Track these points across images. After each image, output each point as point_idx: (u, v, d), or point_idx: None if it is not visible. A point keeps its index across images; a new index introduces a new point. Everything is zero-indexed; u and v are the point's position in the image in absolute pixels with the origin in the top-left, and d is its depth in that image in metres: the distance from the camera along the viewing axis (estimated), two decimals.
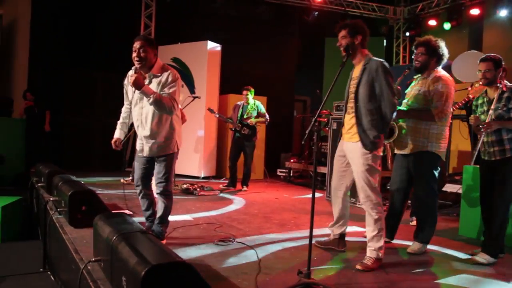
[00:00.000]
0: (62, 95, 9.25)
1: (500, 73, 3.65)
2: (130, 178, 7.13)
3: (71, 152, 9.26)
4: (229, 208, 5.56)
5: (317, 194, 7.03)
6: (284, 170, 9.10)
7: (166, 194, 3.70)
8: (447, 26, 9.76)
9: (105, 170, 8.57)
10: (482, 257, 3.60)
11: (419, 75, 3.94)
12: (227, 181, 7.47)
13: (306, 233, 3.75)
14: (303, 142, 3.21)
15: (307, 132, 2.98)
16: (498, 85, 3.63)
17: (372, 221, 3.32)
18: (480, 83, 3.78)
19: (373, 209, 3.31)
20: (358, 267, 3.25)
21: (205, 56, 8.45)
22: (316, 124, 2.90)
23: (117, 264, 2.18)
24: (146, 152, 3.66)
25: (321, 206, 6.06)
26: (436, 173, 3.81)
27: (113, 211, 3.92)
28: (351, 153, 3.42)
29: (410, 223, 4.99)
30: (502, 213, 3.61)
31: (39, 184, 5.32)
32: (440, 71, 3.85)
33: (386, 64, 3.30)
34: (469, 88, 3.98)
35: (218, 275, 3.00)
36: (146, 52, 3.48)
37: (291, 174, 9.07)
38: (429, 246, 4.05)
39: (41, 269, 3.89)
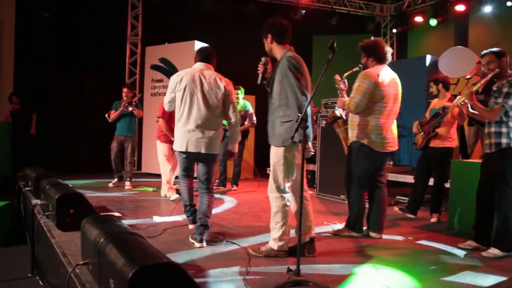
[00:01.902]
0: (49, 98, 9.16)
1: (505, 63, 3.70)
2: (116, 180, 7.05)
3: (59, 155, 9.17)
4: (219, 208, 5.55)
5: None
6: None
7: None
8: (433, 22, 9.82)
9: (93, 172, 8.50)
10: (492, 252, 3.64)
11: None
12: (217, 181, 7.45)
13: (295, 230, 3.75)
14: (290, 140, 3.20)
15: (293, 130, 2.98)
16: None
17: (272, 213, 3.44)
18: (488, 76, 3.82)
19: (273, 202, 3.42)
20: (250, 251, 3.49)
21: (192, 56, 8.38)
22: (304, 121, 2.91)
23: (105, 267, 2.16)
24: None
25: (312, 204, 6.06)
26: (364, 163, 4.04)
27: (102, 214, 3.89)
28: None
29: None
30: (504, 207, 3.63)
31: (26, 188, 5.26)
32: (372, 68, 4.02)
33: (294, 60, 3.30)
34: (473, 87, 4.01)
35: (208, 275, 2.99)
36: None
37: None
38: (420, 241, 4.09)
39: (29, 274, 3.85)
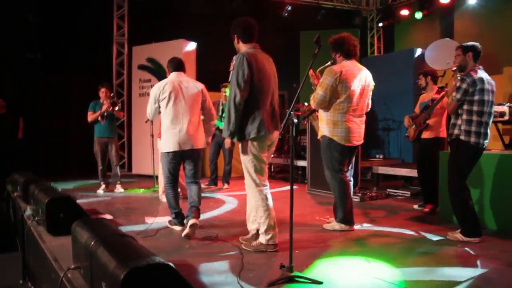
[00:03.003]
0: (36, 101, 9.03)
1: (471, 58, 3.82)
2: (104, 186, 6.76)
3: (48, 159, 9.06)
4: (211, 207, 5.54)
5: (299, 188, 7.07)
6: None
7: None
8: (418, 15, 9.87)
9: (83, 174, 8.43)
10: (455, 235, 3.84)
11: None
12: (208, 180, 7.44)
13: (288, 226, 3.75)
14: (279, 136, 3.23)
15: (281, 126, 2.98)
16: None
17: (254, 208, 3.53)
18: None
19: (252, 197, 3.52)
20: (242, 245, 3.58)
21: (180, 55, 8.38)
22: (291, 117, 2.91)
23: (97, 270, 2.15)
24: None
25: (303, 200, 6.10)
26: (336, 156, 4.16)
27: (93, 217, 3.86)
28: None
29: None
30: (453, 193, 3.86)
31: (15, 194, 5.20)
32: (338, 64, 4.14)
33: (242, 56, 3.38)
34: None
35: (201, 274, 2.98)
36: None
37: (272, 169, 9.09)
38: (408, 231, 4.13)
39: (21, 281, 3.81)
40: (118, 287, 1.81)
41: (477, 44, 3.85)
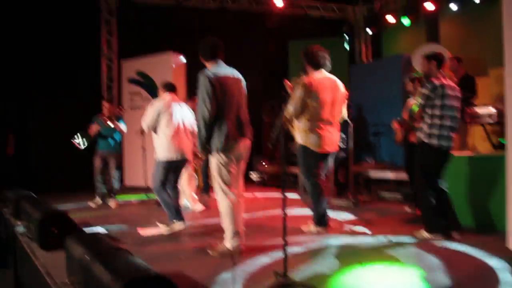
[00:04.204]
0: (24, 118, 8.92)
1: (434, 66, 4.05)
2: (97, 199, 6.68)
3: (41, 174, 8.91)
4: (203, 215, 5.53)
5: (293, 195, 7.07)
6: (256, 173, 9.24)
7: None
8: (406, 21, 9.95)
9: (77, 190, 8.24)
10: (420, 234, 4.03)
11: None
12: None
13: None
14: (271, 145, 3.33)
15: (273, 132, 3.03)
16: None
17: (222, 215, 3.71)
18: None
19: (220, 203, 3.71)
20: (208, 250, 3.72)
21: (170, 68, 8.42)
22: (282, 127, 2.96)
23: (92, 284, 2.14)
24: None
25: (297, 206, 6.10)
26: (310, 162, 4.32)
27: (86, 230, 3.84)
28: None
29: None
30: (419, 192, 4.10)
31: (6, 210, 5.16)
32: (310, 75, 4.32)
33: (203, 74, 3.64)
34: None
35: (197, 284, 2.98)
36: None
37: (266, 178, 9.12)
38: (401, 236, 4.16)
39: None
40: None
41: (439, 52, 4.14)
